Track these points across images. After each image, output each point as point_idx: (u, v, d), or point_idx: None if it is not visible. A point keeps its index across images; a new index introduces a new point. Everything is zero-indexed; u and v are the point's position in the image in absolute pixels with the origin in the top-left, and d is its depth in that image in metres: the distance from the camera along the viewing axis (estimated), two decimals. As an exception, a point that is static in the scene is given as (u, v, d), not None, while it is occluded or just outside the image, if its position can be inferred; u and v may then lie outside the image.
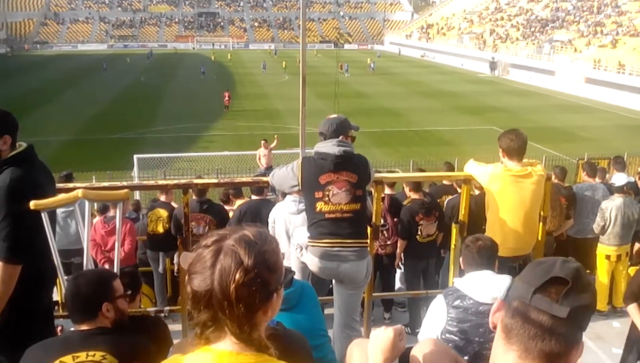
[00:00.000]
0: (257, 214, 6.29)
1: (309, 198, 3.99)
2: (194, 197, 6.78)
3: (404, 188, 6.82)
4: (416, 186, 6.38)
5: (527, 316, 1.46)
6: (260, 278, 1.53)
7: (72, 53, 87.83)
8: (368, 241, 4.29)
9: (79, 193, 3.47)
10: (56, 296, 5.09)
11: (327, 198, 3.89)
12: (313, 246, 3.98)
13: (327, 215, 3.90)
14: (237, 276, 1.50)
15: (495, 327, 1.58)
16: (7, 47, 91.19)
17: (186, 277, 1.59)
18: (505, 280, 3.17)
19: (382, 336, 1.70)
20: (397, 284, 7.25)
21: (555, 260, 1.54)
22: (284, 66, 62.32)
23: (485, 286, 3.11)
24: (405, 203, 6.51)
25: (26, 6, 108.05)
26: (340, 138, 4.04)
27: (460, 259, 3.52)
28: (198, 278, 1.54)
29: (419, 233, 6.33)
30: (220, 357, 1.56)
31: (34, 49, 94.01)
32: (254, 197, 6.68)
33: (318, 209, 3.91)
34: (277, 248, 1.64)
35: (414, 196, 6.38)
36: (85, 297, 2.57)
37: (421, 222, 6.29)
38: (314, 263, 4.02)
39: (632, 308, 4.41)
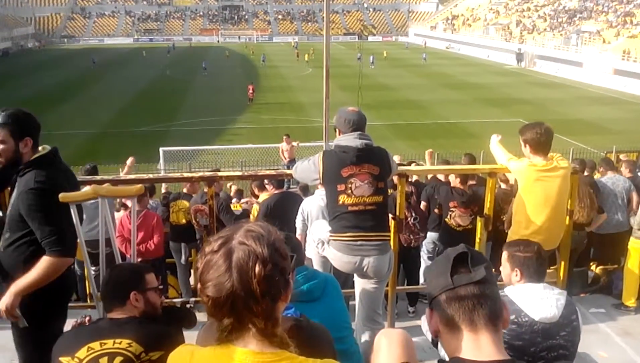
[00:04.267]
0: (284, 207, 6.29)
1: (331, 191, 3.98)
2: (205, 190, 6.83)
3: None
4: (464, 178, 6.34)
5: (459, 297, 1.64)
6: (278, 267, 1.54)
7: (98, 47, 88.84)
8: (389, 234, 4.26)
9: (90, 189, 3.49)
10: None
11: (349, 191, 3.88)
12: (335, 240, 3.96)
13: (349, 208, 3.88)
14: (257, 269, 1.49)
15: (436, 334, 1.73)
16: (35, 42, 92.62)
17: (199, 287, 1.57)
18: (561, 296, 2.91)
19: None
20: (421, 278, 7.22)
21: (444, 250, 1.77)
22: (306, 59, 62.30)
23: (544, 303, 2.85)
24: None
25: (54, 0, 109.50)
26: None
27: (517, 269, 3.06)
28: (215, 284, 1.51)
29: (449, 217, 6.28)
30: (240, 355, 1.55)
31: (61, 43, 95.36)
32: (275, 191, 6.69)
33: (340, 202, 3.90)
34: (282, 236, 1.64)
35: (459, 185, 6.34)
36: (115, 283, 2.68)
37: (453, 209, 6.24)
38: (336, 258, 4.00)
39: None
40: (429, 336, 3.19)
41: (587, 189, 6.26)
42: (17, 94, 39.19)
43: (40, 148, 3.33)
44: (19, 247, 3.27)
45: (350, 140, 3.97)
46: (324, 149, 5.05)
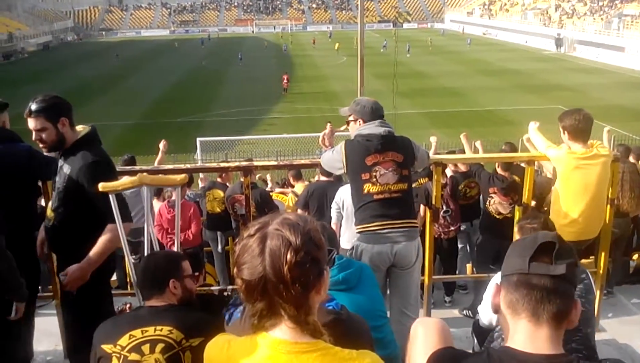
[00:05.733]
0: (324, 195, 6.32)
1: (356, 181, 3.96)
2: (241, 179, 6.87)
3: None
4: (506, 166, 6.28)
5: (530, 284, 1.60)
6: (310, 256, 1.55)
7: (135, 39, 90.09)
8: (416, 221, 4.21)
9: (137, 178, 3.57)
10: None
11: (374, 179, 3.86)
12: (363, 231, 3.91)
13: (375, 196, 3.86)
14: (289, 256, 1.52)
15: (497, 309, 1.71)
16: (74, 35, 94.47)
17: (235, 270, 1.61)
18: None
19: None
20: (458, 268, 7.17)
21: (536, 232, 1.73)
22: (336, 48, 62.36)
23: None
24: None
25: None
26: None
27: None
28: (248, 267, 1.55)
29: (489, 203, 6.24)
30: (275, 344, 1.58)
31: (99, 36, 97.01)
32: (322, 178, 6.72)
33: (366, 190, 3.88)
34: (319, 227, 1.65)
35: (501, 172, 6.29)
36: (154, 271, 2.71)
37: (492, 195, 6.19)
38: (367, 250, 3.92)
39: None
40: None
41: (638, 179, 6.07)
42: (57, 86, 40.02)
43: (79, 127, 3.51)
44: (74, 220, 3.45)
45: (372, 128, 3.96)
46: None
